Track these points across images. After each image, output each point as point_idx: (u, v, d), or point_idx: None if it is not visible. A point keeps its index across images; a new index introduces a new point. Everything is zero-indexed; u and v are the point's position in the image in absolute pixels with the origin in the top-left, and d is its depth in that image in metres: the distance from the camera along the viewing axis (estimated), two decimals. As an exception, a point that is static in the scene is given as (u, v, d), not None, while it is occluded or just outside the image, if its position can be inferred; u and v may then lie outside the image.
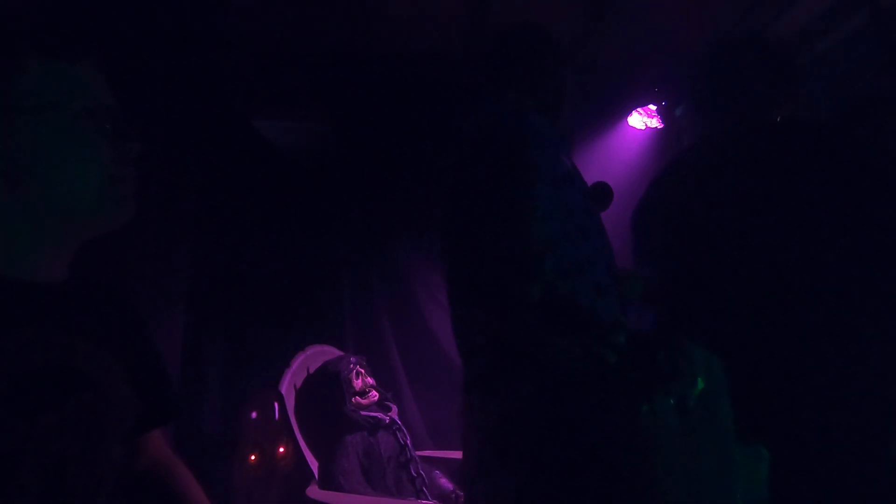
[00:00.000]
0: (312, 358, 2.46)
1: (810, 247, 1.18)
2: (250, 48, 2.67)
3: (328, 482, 2.07)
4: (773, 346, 1.16)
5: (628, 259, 1.43)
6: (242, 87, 2.75)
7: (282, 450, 2.66)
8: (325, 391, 2.26)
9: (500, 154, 1.09)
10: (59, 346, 0.69)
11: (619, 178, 1.90)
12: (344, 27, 2.58)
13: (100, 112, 0.75)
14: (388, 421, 2.27)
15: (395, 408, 2.37)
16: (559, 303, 1.03)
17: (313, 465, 2.15)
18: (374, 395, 2.32)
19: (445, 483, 2.27)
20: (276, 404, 2.55)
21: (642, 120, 3.10)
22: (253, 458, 2.64)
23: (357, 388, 2.28)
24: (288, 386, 2.25)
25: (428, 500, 2.12)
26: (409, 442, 2.28)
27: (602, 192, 1.31)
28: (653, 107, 3.07)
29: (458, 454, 2.35)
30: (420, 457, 2.30)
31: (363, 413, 2.22)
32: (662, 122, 3.10)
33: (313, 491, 2.03)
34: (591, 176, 1.28)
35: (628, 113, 3.10)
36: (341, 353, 2.53)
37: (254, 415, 2.69)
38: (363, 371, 2.35)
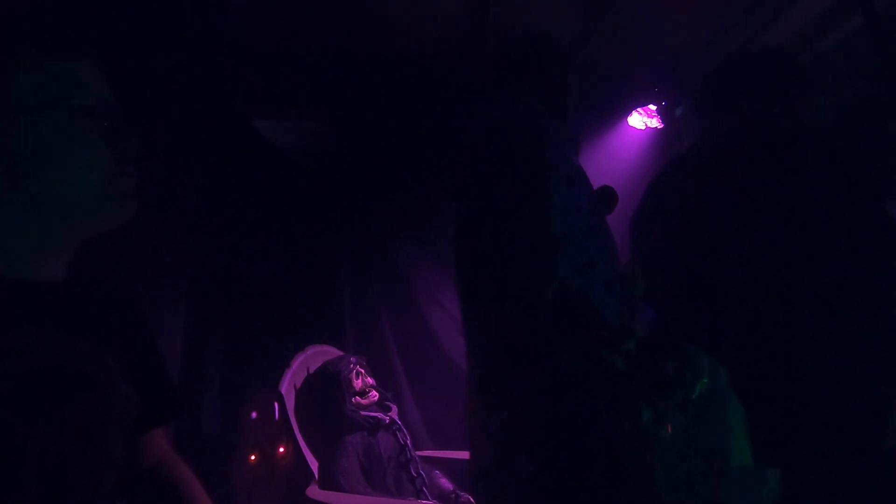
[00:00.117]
0: (312, 358, 2.46)
1: (809, 248, 1.18)
2: (250, 48, 2.67)
3: (328, 482, 2.07)
4: (773, 346, 1.17)
5: (628, 259, 1.44)
6: (242, 87, 2.75)
7: (282, 450, 2.66)
8: (325, 391, 2.26)
9: (518, 152, 1.12)
10: (60, 346, 0.69)
11: (619, 177, 1.91)
12: (344, 27, 2.58)
13: (99, 111, 0.75)
14: (388, 421, 2.27)
15: (395, 408, 2.37)
16: (571, 298, 1.05)
17: (313, 465, 2.15)
18: (374, 395, 2.32)
19: (445, 483, 2.27)
20: (276, 404, 2.55)
21: (642, 120, 3.10)
22: (253, 458, 2.64)
23: (357, 388, 2.28)
24: (288, 386, 2.25)
25: (428, 500, 2.12)
26: (409, 442, 2.28)
27: (606, 196, 1.34)
28: (653, 107, 3.07)
29: (458, 454, 2.35)
30: (420, 457, 2.30)
31: (363, 413, 2.22)
32: (662, 122, 3.10)
33: (313, 491, 2.03)
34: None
35: (628, 113, 3.11)
36: (341, 353, 2.53)
37: (254, 415, 2.69)
38: (363, 371, 2.35)
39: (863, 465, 1.10)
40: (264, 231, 2.90)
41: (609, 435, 0.98)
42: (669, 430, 1.02)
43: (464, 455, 2.31)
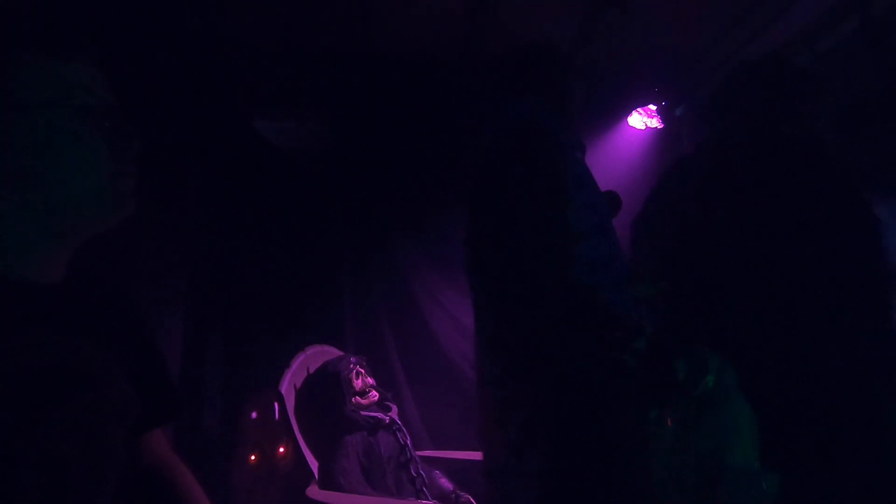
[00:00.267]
0: (312, 358, 2.46)
1: (810, 249, 1.19)
2: (250, 48, 2.67)
3: (328, 482, 2.06)
4: (773, 347, 1.17)
5: (629, 261, 1.45)
6: (242, 87, 2.75)
7: (282, 450, 2.66)
8: (325, 391, 2.26)
9: (534, 151, 1.14)
10: (60, 346, 0.69)
11: (619, 178, 1.91)
12: (344, 27, 2.58)
13: (98, 110, 0.75)
14: (388, 421, 2.27)
15: (395, 408, 2.37)
16: (586, 297, 1.06)
17: (313, 465, 2.14)
18: (374, 395, 2.32)
19: (445, 483, 2.27)
20: (276, 404, 2.55)
21: (642, 120, 3.10)
22: (253, 458, 2.64)
23: (357, 388, 2.28)
24: (288, 386, 2.24)
25: (428, 500, 2.12)
26: (409, 442, 2.28)
27: (611, 201, 1.36)
28: (653, 107, 3.07)
29: (458, 454, 2.35)
30: (420, 457, 2.30)
31: (363, 413, 2.22)
32: (662, 122, 3.10)
33: (313, 491, 2.03)
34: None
35: (628, 113, 3.11)
36: (341, 353, 2.52)
37: (254, 415, 2.68)
38: (363, 371, 2.35)
39: (863, 465, 1.11)
40: (264, 231, 2.90)
41: (619, 433, 0.99)
42: (669, 424, 1.02)
43: (464, 455, 2.32)
